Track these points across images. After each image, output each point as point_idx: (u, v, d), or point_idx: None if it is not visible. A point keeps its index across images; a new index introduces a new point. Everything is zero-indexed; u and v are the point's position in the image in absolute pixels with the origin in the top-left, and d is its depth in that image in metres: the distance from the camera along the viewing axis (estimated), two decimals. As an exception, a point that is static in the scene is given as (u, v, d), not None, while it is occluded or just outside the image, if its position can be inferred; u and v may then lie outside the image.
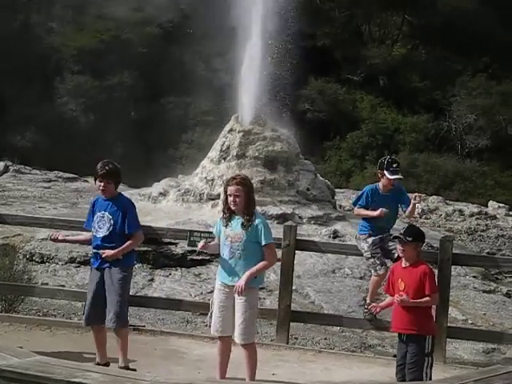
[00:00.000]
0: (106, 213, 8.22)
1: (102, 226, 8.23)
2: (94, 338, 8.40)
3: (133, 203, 8.59)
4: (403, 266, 7.37)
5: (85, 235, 8.91)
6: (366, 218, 10.50)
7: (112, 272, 8.17)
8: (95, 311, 8.26)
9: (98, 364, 8.14)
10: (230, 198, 7.75)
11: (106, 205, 8.28)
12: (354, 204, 10.77)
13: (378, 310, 8.08)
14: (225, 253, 7.85)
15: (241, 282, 7.60)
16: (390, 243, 10.07)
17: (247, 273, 7.62)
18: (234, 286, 7.70)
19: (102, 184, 8.22)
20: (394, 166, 10.38)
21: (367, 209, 10.44)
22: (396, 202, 10.47)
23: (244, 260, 7.69)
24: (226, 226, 7.84)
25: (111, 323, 8.13)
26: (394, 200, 10.42)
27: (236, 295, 7.70)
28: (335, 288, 15.59)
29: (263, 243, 7.64)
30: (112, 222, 8.20)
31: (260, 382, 7.52)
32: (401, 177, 10.52)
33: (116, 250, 8.15)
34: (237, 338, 7.77)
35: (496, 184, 37.12)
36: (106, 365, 8.20)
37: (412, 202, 10.38)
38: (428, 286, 7.14)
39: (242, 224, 7.69)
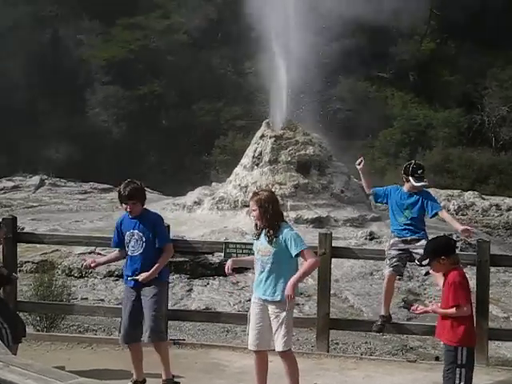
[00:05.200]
0: (136, 231, 8.20)
1: (135, 245, 8.21)
2: (131, 355, 8.40)
3: (160, 217, 8.57)
4: None
5: (115, 253, 8.74)
6: (391, 219, 10.28)
7: (147, 288, 8.17)
8: (132, 329, 8.27)
9: (136, 382, 8.22)
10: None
11: (133, 223, 8.25)
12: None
13: (419, 310, 7.93)
14: (257, 266, 7.80)
15: (288, 290, 7.46)
16: (415, 250, 9.68)
17: (293, 279, 7.47)
18: (266, 300, 7.66)
19: (128, 206, 8.21)
20: (419, 172, 9.99)
21: (381, 203, 10.34)
22: (419, 205, 9.94)
23: (275, 273, 7.60)
24: (257, 239, 7.80)
25: (147, 338, 8.14)
26: (415, 203, 9.94)
27: (270, 308, 7.66)
28: (374, 290, 15.51)
29: (295, 253, 7.49)
30: (144, 239, 8.17)
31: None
32: (426, 183, 10.18)
33: (151, 271, 8.12)
34: (276, 346, 7.71)
35: (532, 176, 36.77)
36: (143, 382, 8.27)
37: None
38: (451, 297, 6.97)
39: (267, 238, 7.64)
